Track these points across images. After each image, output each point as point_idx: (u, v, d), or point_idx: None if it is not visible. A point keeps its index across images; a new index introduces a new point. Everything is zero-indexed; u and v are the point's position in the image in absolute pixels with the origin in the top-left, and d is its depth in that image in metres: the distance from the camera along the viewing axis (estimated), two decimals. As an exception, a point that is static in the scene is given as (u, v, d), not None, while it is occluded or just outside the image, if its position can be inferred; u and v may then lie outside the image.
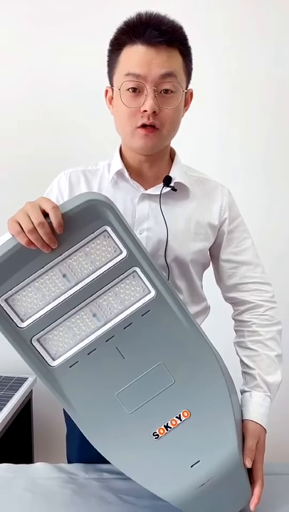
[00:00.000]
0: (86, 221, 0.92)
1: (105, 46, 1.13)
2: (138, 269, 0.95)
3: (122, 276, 0.95)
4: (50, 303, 0.94)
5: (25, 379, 2.00)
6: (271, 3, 1.96)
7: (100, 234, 0.93)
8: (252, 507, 0.99)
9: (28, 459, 2.07)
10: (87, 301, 0.95)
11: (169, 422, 0.96)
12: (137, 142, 1.10)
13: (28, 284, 0.93)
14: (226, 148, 2.05)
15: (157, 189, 1.15)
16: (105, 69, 1.15)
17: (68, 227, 0.90)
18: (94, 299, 0.95)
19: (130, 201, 1.17)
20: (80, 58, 1.96)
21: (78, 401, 0.96)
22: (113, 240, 0.94)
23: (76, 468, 1.21)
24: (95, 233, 0.93)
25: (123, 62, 1.08)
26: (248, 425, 1.05)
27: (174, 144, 1.21)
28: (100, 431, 0.97)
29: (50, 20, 2.00)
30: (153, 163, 1.17)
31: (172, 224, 1.15)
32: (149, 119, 1.07)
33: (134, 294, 0.96)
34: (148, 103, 1.05)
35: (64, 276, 0.94)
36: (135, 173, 1.18)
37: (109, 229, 0.93)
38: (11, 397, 1.86)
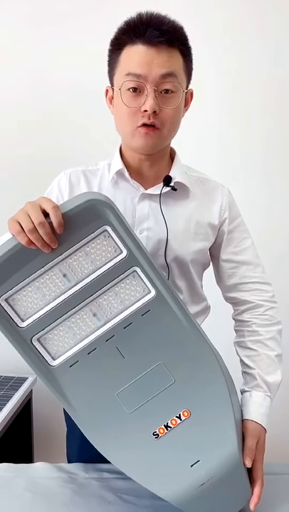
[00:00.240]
0: (86, 221, 0.92)
1: (105, 46, 1.13)
2: (138, 269, 0.95)
3: (122, 276, 0.95)
4: (50, 302, 0.94)
5: (25, 379, 2.00)
6: (271, 3, 1.97)
7: (100, 234, 0.93)
8: (252, 507, 0.99)
9: (28, 458, 2.07)
10: (88, 300, 0.95)
11: (169, 422, 0.96)
12: (138, 141, 1.10)
13: (28, 283, 0.93)
14: (226, 148, 2.05)
15: (157, 189, 1.15)
16: (105, 69, 1.15)
17: (68, 227, 0.90)
18: (94, 299, 0.95)
19: (130, 201, 1.17)
20: (80, 58, 1.97)
21: (78, 401, 0.96)
22: (113, 239, 0.94)
23: (76, 467, 1.21)
24: (95, 233, 0.93)
25: (123, 62, 1.08)
26: (248, 425, 1.05)
27: (174, 143, 1.21)
28: (100, 430, 0.97)
29: (50, 20, 2.00)
30: (153, 163, 1.17)
31: (172, 224, 1.15)
32: (149, 118, 1.07)
33: (134, 293, 0.96)
34: (148, 103, 1.05)
35: (64, 275, 0.94)
36: (135, 172, 1.18)
37: (109, 229, 0.93)
38: (11, 397, 1.86)
